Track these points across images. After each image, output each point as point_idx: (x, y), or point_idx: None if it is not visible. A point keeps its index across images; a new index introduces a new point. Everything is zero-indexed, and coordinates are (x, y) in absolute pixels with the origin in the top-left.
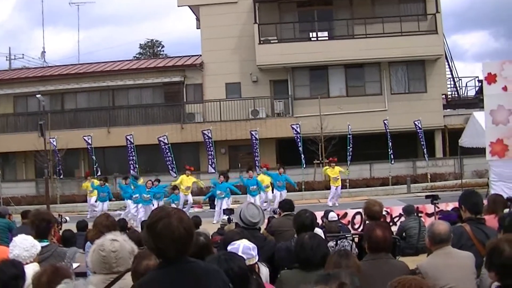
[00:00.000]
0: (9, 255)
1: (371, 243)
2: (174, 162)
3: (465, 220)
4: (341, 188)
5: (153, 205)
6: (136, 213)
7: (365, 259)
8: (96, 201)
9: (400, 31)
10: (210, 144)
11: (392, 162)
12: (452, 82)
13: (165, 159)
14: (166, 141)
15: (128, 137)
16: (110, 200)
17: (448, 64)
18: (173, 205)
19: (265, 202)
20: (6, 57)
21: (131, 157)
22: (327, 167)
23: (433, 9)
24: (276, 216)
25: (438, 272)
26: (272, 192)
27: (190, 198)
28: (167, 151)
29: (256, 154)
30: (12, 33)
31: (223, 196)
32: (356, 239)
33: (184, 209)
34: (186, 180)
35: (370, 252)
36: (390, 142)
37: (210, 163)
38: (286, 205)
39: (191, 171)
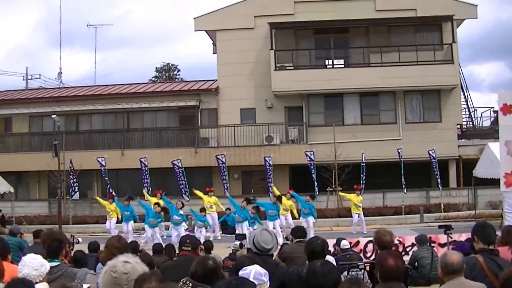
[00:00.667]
0: (18, 274)
1: (383, 272)
2: (187, 186)
3: (478, 251)
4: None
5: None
6: (151, 236)
7: None
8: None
9: (416, 60)
10: (224, 169)
11: (405, 191)
12: (467, 112)
13: (178, 183)
14: (180, 164)
15: (142, 159)
16: (135, 221)
17: (464, 94)
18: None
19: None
20: (23, 77)
21: (145, 180)
22: (353, 194)
23: (449, 39)
24: (288, 242)
25: None
26: (298, 218)
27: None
28: (181, 174)
29: (270, 180)
30: (30, 53)
31: (241, 220)
32: (368, 268)
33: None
34: (208, 200)
35: (382, 281)
36: (403, 171)
37: (225, 187)
38: (298, 232)
39: (212, 192)
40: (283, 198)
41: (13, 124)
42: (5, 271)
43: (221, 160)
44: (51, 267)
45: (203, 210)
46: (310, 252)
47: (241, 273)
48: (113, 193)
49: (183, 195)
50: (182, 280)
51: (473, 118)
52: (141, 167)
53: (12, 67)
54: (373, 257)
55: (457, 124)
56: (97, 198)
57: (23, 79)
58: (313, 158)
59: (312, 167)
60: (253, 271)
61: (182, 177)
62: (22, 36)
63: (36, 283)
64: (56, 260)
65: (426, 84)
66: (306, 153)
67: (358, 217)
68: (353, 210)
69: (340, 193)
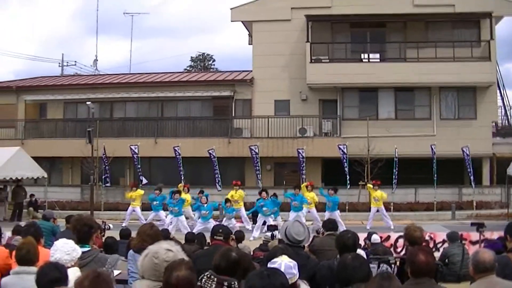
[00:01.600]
0: (50, 258)
1: (414, 268)
2: (219, 176)
3: (511, 250)
4: (386, 211)
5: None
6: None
7: (408, 284)
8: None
9: (452, 56)
10: (257, 160)
11: (435, 187)
12: (503, 110)
13: (213, 172)
14: (214, 154)
15: (176, 148)
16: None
17: (500, 92)
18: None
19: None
20: (59, 63)
21: (180, 169)
22: (370, 186)
23: (487, 35)
24: (320, 235)
25: None
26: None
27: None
28: (216, 164)
29: (303, 172)
30: (66, 40)
31: (268, 213)
32: (398, 263)
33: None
34: (234, 195)
35: (413, 276)
36: (435, 167)
37: (258, 178)
38: (329, 224)
39: (238, 185)
40: (305, 192)
41: (47, 110)
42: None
43: (254, 151)
44: (82, 252)
45: (228, 201)
46: (341, 245)
47: (269, 265)
48: (143, 179)
49: (216, 184)
50: (205, 274)
51: (509, 117)
52: (175, 155)
53: (48, 54)
54: (403, 252)
55: (492, 122)
56: (126, 194)
57: (59, 66)
58: (346, 152)
59: (344, 160)
60: (283, 264)
61: (216, 166)
62: (59, 23)
63: (68, 267)
64: (87, 246)
65: (462, 81)
66: (339, 146)
67: (377, 211)
68: (372, 204)
69: (368, 185)
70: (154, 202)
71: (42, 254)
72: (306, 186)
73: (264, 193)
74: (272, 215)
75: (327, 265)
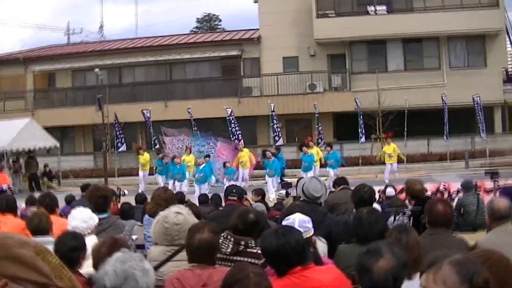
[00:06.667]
0: (67, 226)
1: (432, 218)
2: (235, 134)
3: None
4: (398, 163)
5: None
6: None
7: (425, 235)
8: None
9: (460, 4)
10: (274, 117)
11: (445, 138)
12: None
13: (233, 130)
14: (229, 112)
15: (189, 110)
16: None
17: (509, 39)
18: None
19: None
20: (65, 31)
21: (196, 131)
22: (385, 146)
23: None
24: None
25: (498, 249)
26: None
27: (244, 172)
28: (234, 122)
29: (319, 127)
30: (71, 7)
31: (272, 174)
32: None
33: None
34: (242, 156)
35: (430, 226)
36: (446, 117)
37: (278, 135)
38: (340, 180)
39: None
40: (315, 148)
41: (56, 79)
42: (54, 224)
43: (271, 109)
44: (100, 218)
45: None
46: (357, 199)
47: (284, 222)
48: (157, 143)
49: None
50: (222, 235)
51: None
52: (189, 118)
53: (53, 22)
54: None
55: (503, 69)
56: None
57: (65, 34)
58: (358, 105)
59: (359, 114)
60: (297, 220)
61: (235, 124)
62: None
63: (85, 235)
64: (105, 212)
65: (470, 29)
66: (356, 99)
67: (391, 166)
68: (386, 161)
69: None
70: (177, 175)
71: (59, 224)
72: (307, 144)
73: (268, 153)
74: (276, 175)
75: (344, 220)
